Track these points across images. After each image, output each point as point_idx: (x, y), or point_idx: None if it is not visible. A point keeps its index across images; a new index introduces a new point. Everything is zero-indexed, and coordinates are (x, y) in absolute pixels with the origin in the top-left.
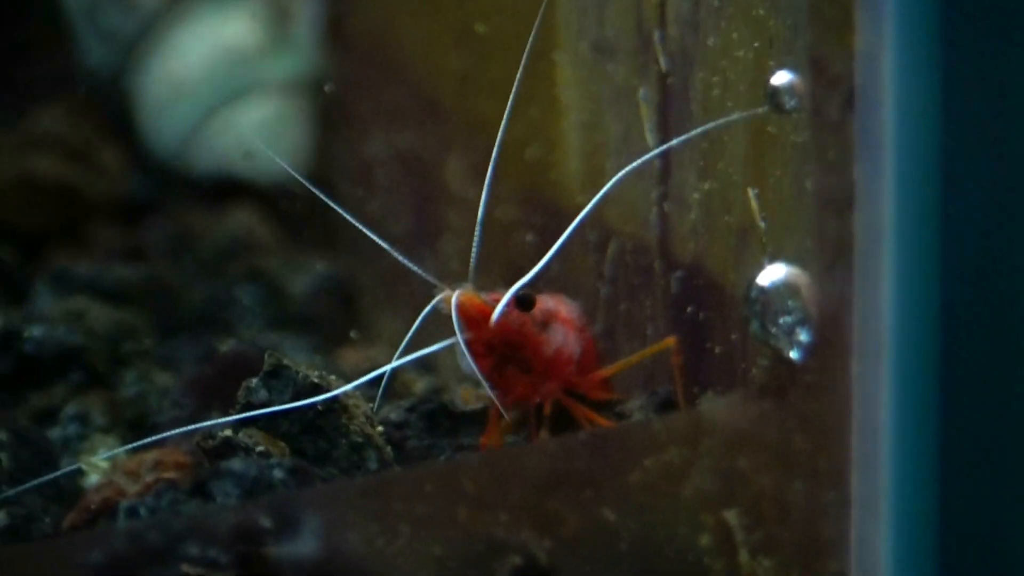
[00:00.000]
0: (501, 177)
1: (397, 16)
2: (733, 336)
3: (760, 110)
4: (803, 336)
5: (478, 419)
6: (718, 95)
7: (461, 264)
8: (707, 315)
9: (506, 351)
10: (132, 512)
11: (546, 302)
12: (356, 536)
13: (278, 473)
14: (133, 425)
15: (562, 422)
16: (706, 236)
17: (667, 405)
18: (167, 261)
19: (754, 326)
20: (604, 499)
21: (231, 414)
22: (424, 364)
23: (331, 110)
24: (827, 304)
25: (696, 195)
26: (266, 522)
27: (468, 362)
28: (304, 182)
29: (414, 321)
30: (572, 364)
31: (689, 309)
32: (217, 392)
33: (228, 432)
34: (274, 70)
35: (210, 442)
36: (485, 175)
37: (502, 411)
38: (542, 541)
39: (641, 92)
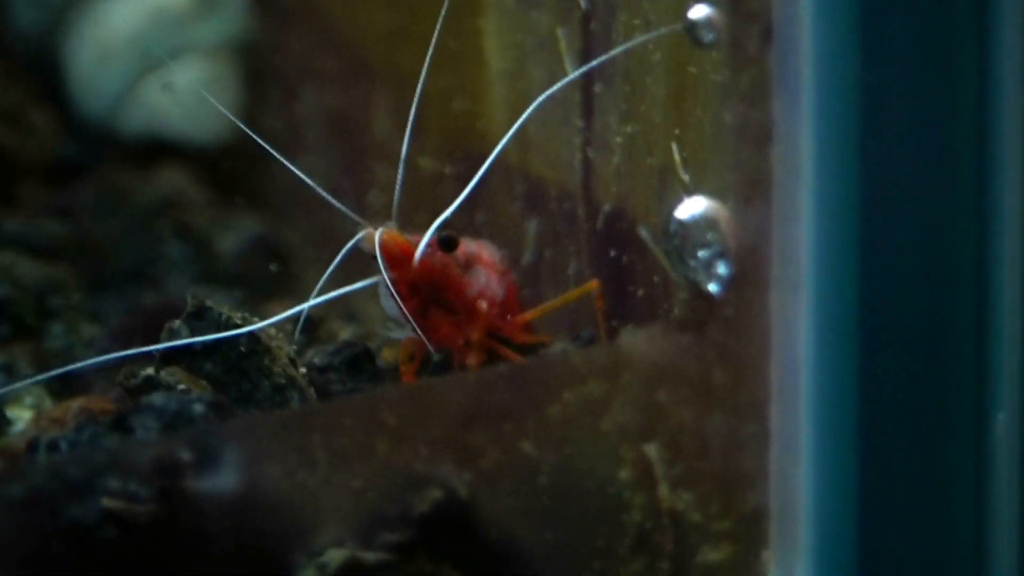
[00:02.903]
0: (428, 129)
1: None
2: (655, 278)
3: (668, 29)
4: (722, 269)
5: (393, 367)
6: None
7: (387, 216)
8: (630, 258)
9: (429, 291)
10: (52, 446)
11: (469, 245)
12: (276, 469)
13: (198, 407)
14: (59, 375)
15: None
16: (629, 179)
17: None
18: (97, 218)
19: (673, 260)
20: (524, 432)
21: (156, 356)
22: (349, 313)
23: (259, 71)
24: (746, 238)
25: (619, 139)
26: (186, 455)
27: (391, 302)
28: (250, 133)
29: (340, 279)
30: (495, 306)
31: (612, 253)
32: (142, 341)
33: (150, 371)
34: (202, 33)
35: (132, 380)
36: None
37: (429, 348)
38: (462, 474)
39: (560, 30)
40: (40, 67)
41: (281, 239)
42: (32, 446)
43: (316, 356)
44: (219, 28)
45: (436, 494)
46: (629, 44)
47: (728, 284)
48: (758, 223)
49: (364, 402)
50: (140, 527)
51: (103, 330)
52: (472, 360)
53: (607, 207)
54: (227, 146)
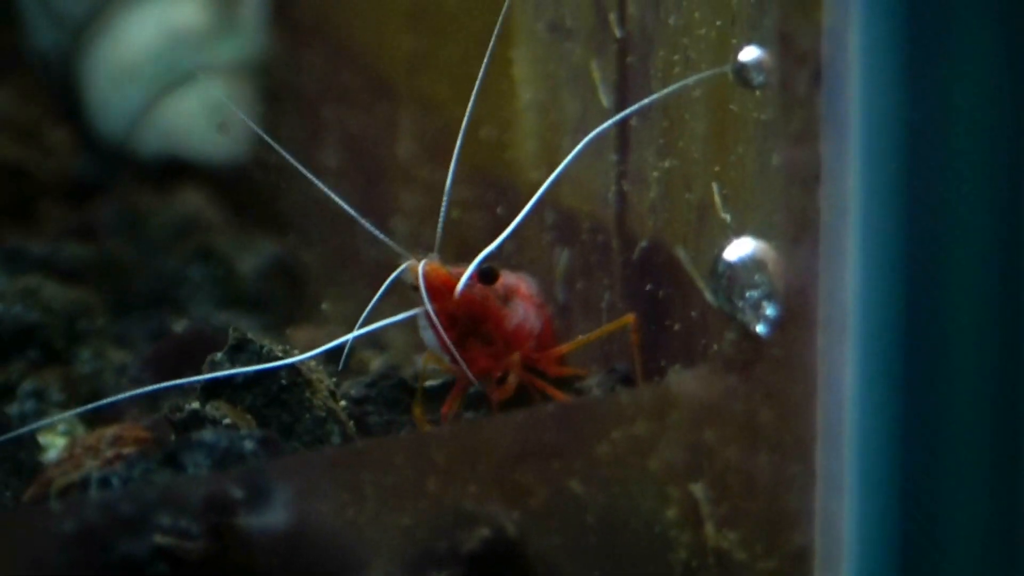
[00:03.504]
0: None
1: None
2: (693, 313)
3: (717, 70)
4: (769, 311)
5: (437, 395)
6: (679, 73)
7: (410, 243)
8: (666, 292)
9: (468, 324)
10: (104, 482)
11: (507, 277)
12: (326, 506)
13: (248, 444)
14: (89, 401)
15: (521, 398)
16: (665, 214)
17: (625, 382)
18: (118, 240)
19: (720, 300)
20: (572, 471)
21: (195, 388)
22: (379, 342)
23: (279, 92)
24: (793, 279)
25: (656, 173)
26: (237, 492)
27: (430, 333)
28: (285, 154)
29: (360, 301)
30: (532, 339)
31: (648, 286)
32: (174, 369)
33: (195, 405)
34: (221, 53)
35: (177, 414)
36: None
37: (470, 378)
38: (510, 513)
39: (595, 62)
40: (58, 86)
41: (299, 261)
42: (84, 482)
43: (352, 387)
44: (237, 48)
45: (485, 532)
46: (678, 85)
47: (775, 325)
48: (805, 264)
49: (414, 440)
50: (191, 564)
51: (133, 356)
52: (501, 394)
53: (643, 241)
54: (244, 167)
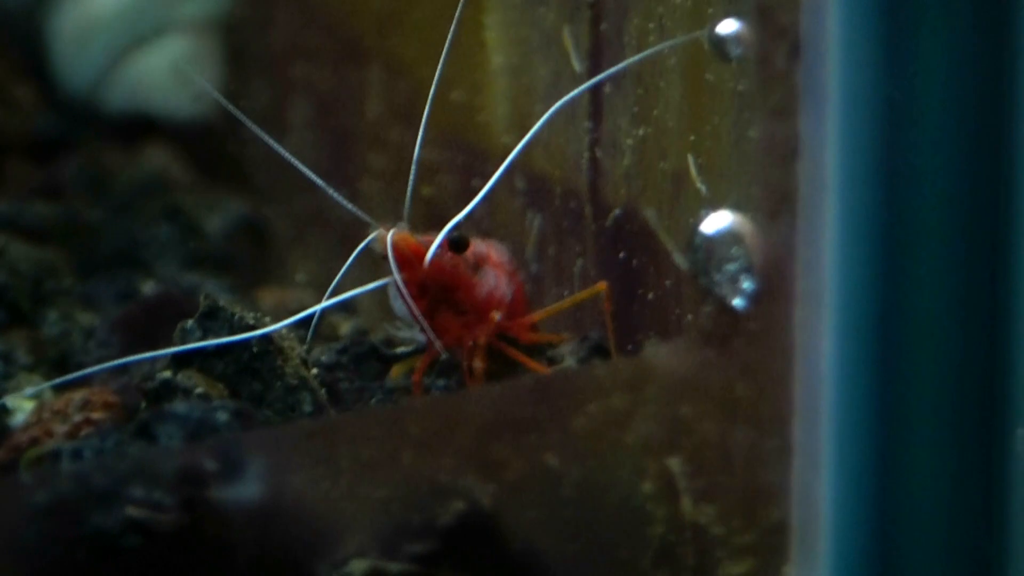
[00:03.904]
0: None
1: None
2: (667, 282)
3: (692, 35)
4: (746, 284)
5: (399, 385)
6: (654, 41)
7: (379, 205)
8: (640, 260)
9: (439, 292)
10: (76, 454)
11: (478, 245)
12: (301, 479)
13: (222, 416)
14: (57, 364)
15: (494, 365)
16: (639, 182)
17: (598, 350)
18: (83, 199)
19: (698, 272)
20: (548, 444)
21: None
22: (348, 307)
23: (245, 50)
24: (771, 252)
25: (630, 141)
26: (210, 464)
27: (401, 303)
28: (244, 119)
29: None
30: (503, 307)
31: (622, 254)
32: (143, 332)
33: (167, 373)
34: (186, 9)
35: (149, 383)
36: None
37: (439, 348)
38: (486, 486)
39: (567, 28)
40: (23, 42)
41: (265, 221)
42: (56, 453)
43: (323, 354)
44: (202, 5)
45: (460, 505)
46: (653, 50)
47: (753, 298)
48: (783, 238)
49: (390, 413)
50: (164, 536)
51: (101, 320)
52: (477, 363)
53: (617, 209)
54: (210, 124)
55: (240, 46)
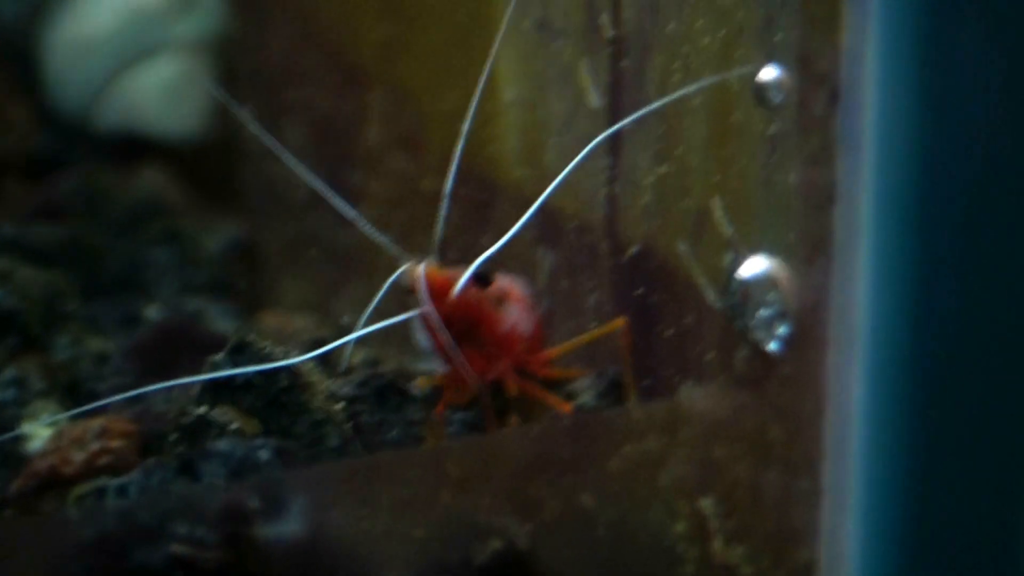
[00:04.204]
0: (432, 149)
1: None
2: (686, 319)
3: (739, 71)
4: (782, 329)
5: (427, 395)
6: (679, 80)
7: (380, 233)
8: (659, 298)
9: (463, 327)
10: (122, 491)
11: (500, 280)
12: (341, 517)
13: (263, 454)
14: (69, 390)
15: (514, 400)
16: (659, 220)
17: (615, 386)
18: (82, 220)
19: (733, 317)
20: (583, 485)
21: (190, 386)
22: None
23: (240, 71)
24: (806, 298)
25: (650, 178)
26: (253, 502)
27: (424, 336)
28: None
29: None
30: (524, 342)
31: (639, 291)
32: (157, 360)
33: (203, 409)
34: (181, 29)
35: (184, 418)
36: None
37: (470, 380)
38: (522, 525)
39: (585, 62)
40: (18, 61)
41: (261, 243)
42: (102, 490)
43: (343, 387)
44: (197, 25)
45: (496, 544)
46: (696, 86)
47: (787, 343)
48: (818, 283)
49: (429, 453)
50: (208, 573)
51: (114, 345)
52: (509, 393)
53: (635, 246)
54: (203, 145)
55: (234, 67)
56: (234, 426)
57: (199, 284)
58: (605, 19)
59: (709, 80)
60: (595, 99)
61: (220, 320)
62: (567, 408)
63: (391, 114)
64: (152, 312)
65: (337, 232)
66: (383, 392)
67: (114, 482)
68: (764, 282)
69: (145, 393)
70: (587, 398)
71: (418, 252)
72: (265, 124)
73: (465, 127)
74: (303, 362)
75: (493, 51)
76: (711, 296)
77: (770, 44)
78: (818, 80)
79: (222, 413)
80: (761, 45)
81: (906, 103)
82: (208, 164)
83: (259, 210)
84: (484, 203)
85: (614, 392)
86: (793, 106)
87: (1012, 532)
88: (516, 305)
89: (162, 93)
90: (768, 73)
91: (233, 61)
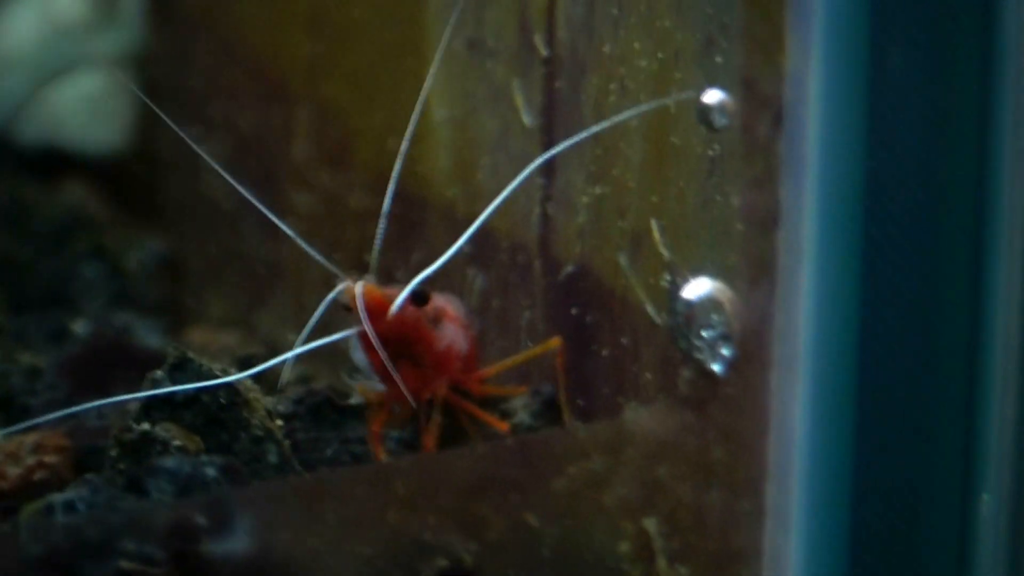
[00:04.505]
0: (359, 166)
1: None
2: (623, 340)
3: (684, 95)
4: (725, 350)
5: (363, 413)
6: (615, 102)
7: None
8: (594, 317)
9: (400, 345)
10: (69, 506)
11: (436, 299)
12: (288, 535)
13: (210, 471)
14: (2, 405)
15: (448, 419)
16: (595, 240)
17: (550, 405)
18: (6, 235)
19: (677, 337)
20: (529, 504)
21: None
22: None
23: (161, 87)
24: (749, 319)
25: (585, 199)
26: (201, 519)
27: (362, 353)
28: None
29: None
30: (460, 361)
31: (574, 311)
32: (90, 376)
33: (145, 425)
34: (102, 44)
35: (127, 434)
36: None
37: (409, 399)
38: (468, 544)
39: (517, 82)
40: None
41: (184, 258)
42: (49, 507)
43: (280, 404)
44: (118, 40)
45: (442, 562)
46: (647, 106)
47: (731, 364)
48: (762, 305)
49: (377, 471)
50: None
51: (45, 360)
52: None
53: (570, 265)
54: (124, 160)
55: (156, 83)
56: (177, 443)
57: (125, 299)
58: (539, 39)
59: (655, 103)
60: (528, 119)
61: (147, 335)
62: (504, 427)
63: (316, 131)
64: (79, 327)
65: (261, 247)
66: (319, 409)
67: (60, 498)
68: (708, 303)
69: (83, 409)
70: (522, 417)
71: (351, 269)
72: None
73: (404, 146)
74: (243, 379)
75: (433, 68)
76: (654, 314)
77: (711, 67)
78: (762, 103)
79: (164, 430)
80: (701, 68)
81: (849, 126)
82: (130, 179)
83: (182, 225)
84: (413, 222)
85: (549, 411)
86: (737, 129)
87: (954, 553)
88: (452, 324)
89: (83, 108)
90: (712, 96)
91: (155, 76)
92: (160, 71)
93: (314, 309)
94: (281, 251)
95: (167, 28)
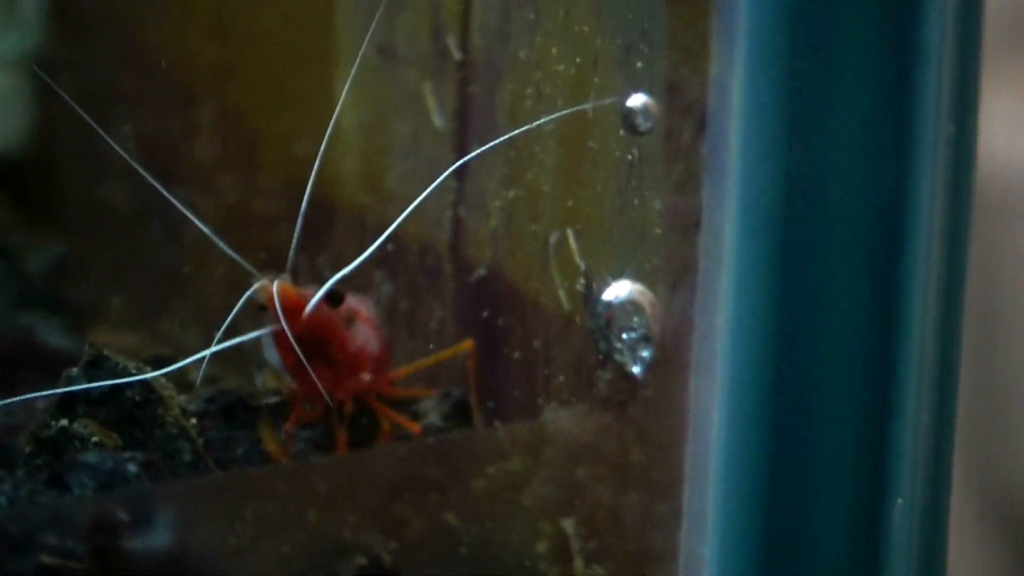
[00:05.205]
0: (265, 170)
1: (145, 3)
2: (535, 343)
3: (607, 100)
4: (645, 352)
5: (275, 412)
6: (530, 107)
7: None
8: (506, 320)
9: (313, 345)
10: None
11: (349, 300)
12: (208, 532)
13: (132, 467)
14: None
15: (360, 419)
16: (508, 243)
17: (461, 407)
18: None
19: (598, 340)
20: (448, 504)
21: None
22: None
23: (60, 90)
24: (669, 322)
25: (498, 202)
26: (122, 515)
27: (274, 352)
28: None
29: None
30: (372, 362)
31: (485, 314)
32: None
33: (64, 422)
34: (1, 47)
35: (45, 431)
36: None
37: (325, 398)
38: (387, 543)
39: (429, 86)
40: None
41: (84, 261)
42: None
43: (192, 403)
44: (17, 42)
45: (361, 561)
46: (568, 111)
47: (650, 366)
48: (682, 308)
49: (298, 470)
50: None
51: None
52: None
53: (481, 269)
54: (23, 162)
55: (57, 85)
56: (95, 439)
57: (26, 301)
58: (452, 44)
59: (578, 107)
60: (439, 121)
61: (51, 336)
62: (415, 428)
63: (220, 135)
64: None
65: (162, 250)
66: (230, 408)
67: None
68: (628, 306)
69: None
70: (432, 419)
71: (265, 270)
72: (88, 142)
73: (321, 148)
74: (158, 376)
75: (351, 75)
76: (568, 317)
77: (631, 72)
78: (685, 108)
79: (82, 426)
80: (621, 73)
81: (771, 132)
82: (30, 182)
83: (82, 228)
84: (320, 224)
85: (459, 413)
86: (659, 133)
87: (869, 555)
88: (364, 325)
89: None
90: (636, 100)
91: (56, 79)
92: (61, 74)
93: (217, 312)
94: (182, 254)
95: (69, 31)
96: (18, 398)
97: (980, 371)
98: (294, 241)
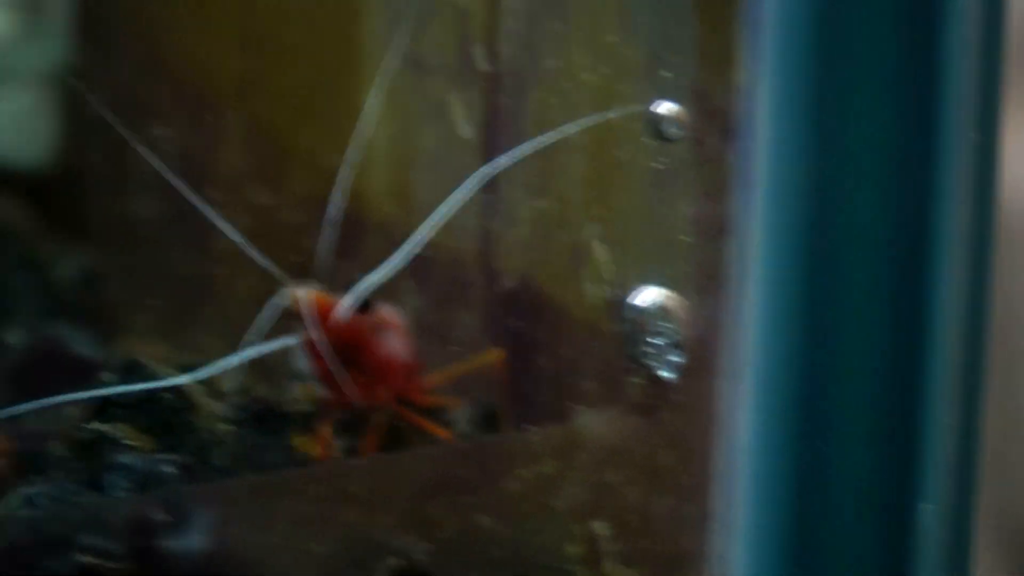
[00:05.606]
0: (293, 182)
1: (171, 15)
2: (566, 350)
3: (636, 108)
4: (675, 357)
5: (304, 420)
6: (558, 116)
7: (238, 264)
8: (535, 330)
9: (345, 352)
10: (30, 501)
11: (379, 308)
12: (243, 532)
13: (167, 468)
14: None
15: (392, 427)
16: (537, 253)
17: (491, 416)
18: None
19: (629, 346)
20: (481, 506)
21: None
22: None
23: (87, 103)
24: (698, 327)
25: (526, 211)
26: (159, 515)
27: (306, 361)
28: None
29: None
30: (402, 369)
31: (515, 323)
32: (27, 382)
33: (97, 424)
34: (27, 59)
35: (80, 434)
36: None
37: (355, 404)
38: (421, 544)
39: (456, 96)
40: None
41: (112, 271)
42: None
43: (224, 410)
44: (43, 54)
45: (395, 562)
46: (598, 116)
47: (680, 371)
48: (711, 313)
49: (333, 471)
50: None
51: None
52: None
53: (511, 278)
54: (50, 175)
55: (82, 100)
56: (128, 442)
57: (55, 311)
58: (479, 54)
59: (604, 115)
60: (466, 130)
61: (79, 346)
62: (446, 435)
63: (246, 149)
64: (12, 337)
65: (189, 260)
66: (260, 416)
67: (25, 492)
68: (659, 311)
69: (30, 409)
70: (462, 427)
71: (294, 278)
72: (115, 153)
73: (353, 155)
74: (191, 382)
75: (379, 86)
76: (597, 325)
77: (658, 80)
78: (712, 116)
79: (116, 429)
80: (648, 82)
81: (798, 139)
82: (57, 192)
83: (110, 239)
84: (349, 234)
85: (489, 421)
86: (687, 141)
87: (895, 558)
88: (394, 332)
89: (9, 123)
90: (664, 107)
91: (81, 91)
92: (87, 86)
93: (244, 322)
94: (209, 265)
95: (94, 43)
96: (57, 399)
97: (1004, 376)
98: (323, 249)
